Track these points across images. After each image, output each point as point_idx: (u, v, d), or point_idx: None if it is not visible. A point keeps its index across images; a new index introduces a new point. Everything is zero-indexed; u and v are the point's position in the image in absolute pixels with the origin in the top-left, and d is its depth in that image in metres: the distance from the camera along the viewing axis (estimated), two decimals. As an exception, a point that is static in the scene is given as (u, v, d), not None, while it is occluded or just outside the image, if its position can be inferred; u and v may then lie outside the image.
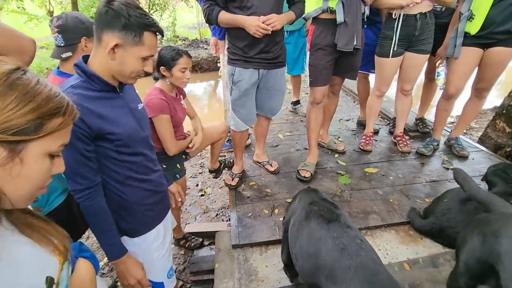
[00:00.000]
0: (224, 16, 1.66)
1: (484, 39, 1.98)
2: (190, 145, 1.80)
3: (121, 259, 1.02)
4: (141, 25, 0.87)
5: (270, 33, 1.62)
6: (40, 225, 0.59)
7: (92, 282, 0.74)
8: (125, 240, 1.07)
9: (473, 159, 2.40)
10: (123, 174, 1.00)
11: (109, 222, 0.98)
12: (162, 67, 1.60)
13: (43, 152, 0.51)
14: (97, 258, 0.81)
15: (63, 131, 0.53)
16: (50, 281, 0.55)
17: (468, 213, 1.51)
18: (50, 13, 8.85)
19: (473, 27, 1.97)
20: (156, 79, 1.69)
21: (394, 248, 1.60)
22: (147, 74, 1.02)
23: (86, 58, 0.93)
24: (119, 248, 1.02)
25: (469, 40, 2.03)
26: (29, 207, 0.61)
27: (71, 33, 1.30)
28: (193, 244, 2.20)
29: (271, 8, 1.65)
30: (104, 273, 2.10)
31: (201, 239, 2.23)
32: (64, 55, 1.32)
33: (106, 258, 2.13)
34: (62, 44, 1.32)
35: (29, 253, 0.54)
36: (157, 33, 0.94)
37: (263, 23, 1.59)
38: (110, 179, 0.99)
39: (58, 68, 1.37)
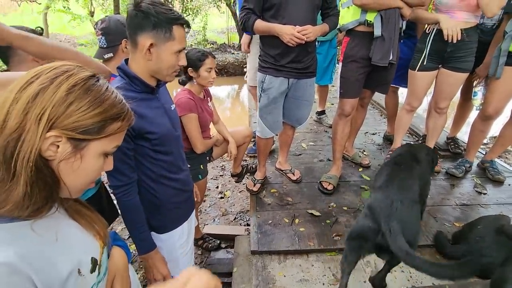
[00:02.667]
0: (260, 24, 1.69)
1: None
2: (229, 155, 1.90)
3: (150, 254, 1.06)
4: (169, 20, 0.90)
5: (304, 42, 1.63)
6: (86, 213, 0.66)
7: (126, 268, 0.79)
8: (153, 236, 1.11)
9: (509, 184, 2.26)
10: (157, 172, 1.05)
11: (142, 218, 1.03)
12: (189, 69, 1.66)
13: (100, 151, 0.56)
14: (129, 248, 0.85)
15: (119, 134, 0.59)
16: (94, 261, 0.62)
17: (504, 244, 1.42)
18: (91, 13, 9.42)
19: None
20: (182, 83, 1.76)
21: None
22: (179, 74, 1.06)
23: (127, 61, 0.99)
24: (150, 243, 1.07)
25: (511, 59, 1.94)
26: None
27: (113, 35, 1.38)
28: (210, 245, 2.23)
29: (305, 19, 1.66)
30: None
31: (218, 241, 2.25)
32: (106, 56, 1.40)
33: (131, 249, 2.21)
34: (105, 46, 1.39)
35: (78, 235, 0.61)
36: (184, 25, 0.96)
37: (298, 33, 1.61)
38: (145, 177, 1.04)
39: None
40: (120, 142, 0.60)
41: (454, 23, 1.87)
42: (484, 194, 2.14)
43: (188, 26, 0.97)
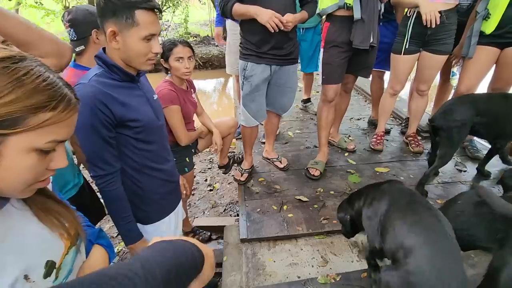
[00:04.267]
0: (238, 7, 1.65)
1: (501, 39, 1.94)
2: (214, 146, 1.86)
3: (137, 244, 1.05)
4: (129, 5, 0.85)
5: (282, 28, 1.61)
6: (56, 209, 0.60)
7: None
8: (139, 227, 1.09)
9: (487, 161, 2.34)
10: (140, 162, 1.03)
11: (127, 208, 1.02)
12: (161, 60, 1.62)
13: (26, 147, 0.46)
14: (113, 247, 0.82)
15: (54, 127, 0.48)
16: (50, 265, 0.55)
17: (482, 216, 1.48)
18: (66, 8, 9.03)
19: (488, 27, 1.94)
20: (166, 71, 1.73)
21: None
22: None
23: (105, 50, 0.96)
24: (136, 233, 1.06)
25: (485, 39, 1.99)
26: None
27: (81, 26, 1.30)
28: (201, 237, 2.23)
29: (284, 5, 1.64)
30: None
31: (209, 233, 2.25)
32: (78, 49, 1.34)
33: (119, 246, 2.18)
34: (75, 38, 1.32)
35: (34, 234, 0.55)
36: (153, 10, 0.90)
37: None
38: (128, 167, 1.02)
39: (75, 61, 1.40)
40: (61, 137, 0.50)
41: (433, 7, 1.89)
42: (464, 171, 2.22)
43: (157, 9, 0.91)
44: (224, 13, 1.73)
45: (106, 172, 0.95)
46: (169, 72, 1.67)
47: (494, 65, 2.10)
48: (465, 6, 2.16)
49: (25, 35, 0.80)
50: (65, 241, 0.59)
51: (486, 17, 1.93)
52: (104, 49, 0.96)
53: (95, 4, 0.90)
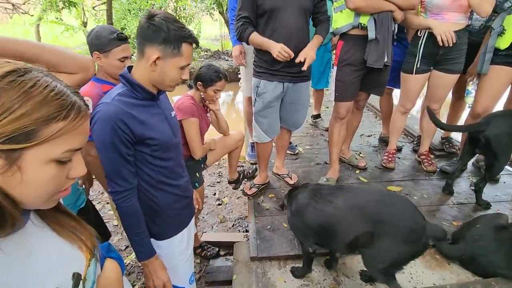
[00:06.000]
0: (255, 37, 1.71)
1: None
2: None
3: (150, 260, 1.05)
4: (179, 38, 0.93)
5: (292, 57, 1.66)
6: (70, 223, 0.61)
7: (119, 281, 0.76)
8: (152, 242, 1.10)
9: (504, 182, 2.28)
10: (156, 178, 1.05)
11: (142, 224, 1.03)
12: (199, 83, 1.70)
13: (44, 159, 0.46)
14: (123, 260, 0.84)
15: (68, 136, 0.48)
16: (77, 277, 0.56)
17: (503, 242, 1.43)
18: (84, 23, 9.43)
19: (503, 43, 1.94)
20: (190, 86, 1.80)
21: (419, 272, 1.53)
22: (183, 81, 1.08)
23: (130, 68, 1.01)
24: (150, 250, 1.06)
25: (500, 58, 1.98)
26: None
27: (89, 47, 1.43)
28: (209, 253, 2.20)
29: (297, 24, 1.69)
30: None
31: (217, 249, 2.23)
32: None
33: (127, 260, 2.17)
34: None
35: (57, 249, 0.55)
36: (193, 43, 0.99)
37: (300, 61, 1.66)
38: (144, 182, 1.04)
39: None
40: (76, 145, 0.50)
41: (446, 27, 1.91)
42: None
43: (197, 44, 1.00)
44: (241, 38, 1.78)
45: (124, 188, 0.97)
46: (200, 92, 1.75)
47: (510, 85, 2.07)
48: (477, 26, 2.17)
49: (56, 59, 0.84)
50: (85, 254, 0.61)
51: (501, 33, 1.93)
52: (128, 68, 1.01)
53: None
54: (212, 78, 1.69)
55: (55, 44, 10.86)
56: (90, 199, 1.68)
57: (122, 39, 1.40)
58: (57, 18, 8.11)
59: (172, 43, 0.92)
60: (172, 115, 1.13)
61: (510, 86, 2.07)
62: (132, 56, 1.47)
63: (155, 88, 1.01)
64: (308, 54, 1.67)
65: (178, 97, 1.84)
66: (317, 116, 3.36)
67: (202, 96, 1.77)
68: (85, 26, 9.13)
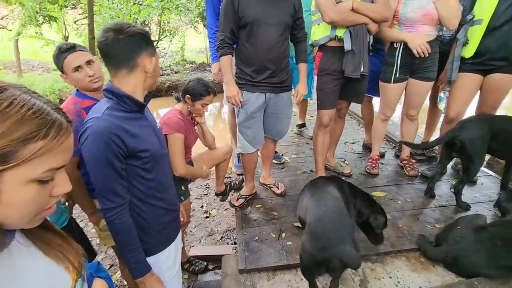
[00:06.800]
0: (224, 61, 1.78)
1: (482, 66, 2.07)
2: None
3: (146, 277, 1.03)
4: (148, 33, 1.00)
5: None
6: (57, 242, 0.59)
7: None
8: None
9: (482, 184, 2.37)
10: (145, 192, 1.03)
11: (136, 239, 1.01)
12: (187, 96, 1.71)
13: (24, 180, 0.45)
14: (112, 279, 0.81)
15: (49, 155, 0.46)
16: None
17: (482, 242, 1.48)
18: (66, 38, 9.30)
19: (467, 52, 2.08)
20: (177, 99, 1.80)
21: (405, 276, 1.55)
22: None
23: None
24: (145, 266, 1.03)
25: (468, 66, 2.12)
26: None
27: None
28: (197, 268, 2.16)
29: (277, 38, 1.74)
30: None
31: (205, 263, 2.19)
32: None
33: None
34: None
35: (42, 270, 0.54)
36: None
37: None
38: (134, 197, 1.02)
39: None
40: (58, 164, 0.48)
41: (420, 40, 2.02)
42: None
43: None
44: (218, 52, 1.82)
45: (117, 204, 0.95)
46: (188, 105, 1.75)
47: (479, 91, 2.20)
48: (448, 37, 2.30)
49: None
50: (71, 274, 0.59)
51: (465, 43, 2.08)
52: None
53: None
54: (201, 92, 1.70)
55: (35, 59, 10.64)
56: (74, 217, 1.62)
57: (65, 50, 1.31)
58: (37, 33, 7.97)
59: (150, 39, 0.98)
60: (158, 127, 1.14)
61: (479, 91, 2.19)
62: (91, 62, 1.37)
63: (142, 96, 1.02)
64: (300, 89, 1.90)
65: (165, 109, 1.84)
66: (302, 125, 3.41)
67: (189, 110, 1.77)
68: (66, 40, 9.01)
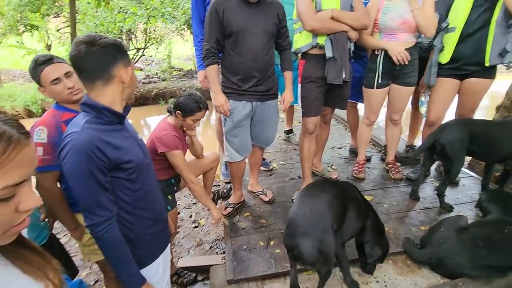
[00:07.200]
0: (211, 71, 1.79)
1: (458, 71, 2.16)
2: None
3: None
4: (121, 43, 0.98)
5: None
6: (34, 258, 0.57)
7: None
8: None
9: (463, 185, 2.44)
10: (132, 204, 1.01)
11: (127, 252, 0.98)
12: (178, 112, 1.70)
13: None
14: None
15: (1, 172, 0.44)
16: None
17: (465, 243, 1.51)
18: (48, 46, 9.11)
19: (444, 58, 2.18)
20: (169, 112, 1.79)
21: (392, 280, 1.57)
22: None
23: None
24: (139, 278, 1.01)
25: (445, 71, 2.21)
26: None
27: None
28: (186, 280, 2.11)
29: (262, 46, 1.76)
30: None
31: (194, 274, 2.14)
32: None
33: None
34: None
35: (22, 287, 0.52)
36: None
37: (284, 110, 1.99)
38: (120, 209, 1.00)
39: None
40: (12, 180, 0.45)
41: (399, 48, 2.09)
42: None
43: None
44: (204, 61, 1.83)
45: (105, 218, 0.92)
46: (178, 120, 1.75)
47: (457, 94, 2.28)
48: (426, 43, 2.37)
49: None
50: None
51: (442, 49, 2.17)
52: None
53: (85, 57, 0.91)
54: (192, 108, 1.68)
55: (16, 68, 10.34)
56: (55, 232, 1.57)
57: (42, 63, 1.27)
58: (17, 42, 7.78)
59: (124, 49, 0.96)
60: (139, 138, 1.12)
61: (457, 95, 2.27)
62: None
63: (121, 107, 1.00)
64: (286, 96, 1.94)
65: (152, 118, 1.82)
66: (290, 132, 3.44)
67: (180, 124, 1.77)
68: (49, 50, 8.82)
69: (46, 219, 1.49)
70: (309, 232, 1.27)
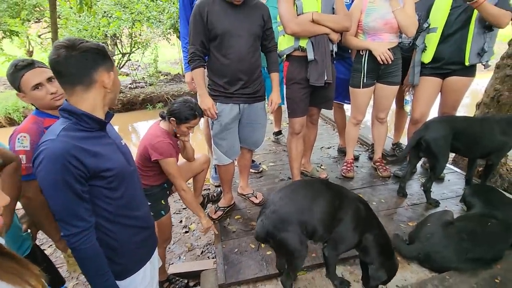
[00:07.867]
0: (197, 75, 1.79)
1: (440, 70, 2.22)
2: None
3: None
4: (103, 47, 0.95)
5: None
6: (15, 267, 0.56)
7: None
8: None
9: (448, 180, 2.50)
10: (114, 212, 0.98)
11: (104, 264, 0.95)
12: (173, 119, 1.66)
13: None
14: None
15: None
16: None
17: (451, 237, 1.54)
18: (30, 53, 8.86)
19: (426, 57, 2.24)
20: (162, 117, 1.75)
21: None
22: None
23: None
24: None
25: (428, 70, 2.27)
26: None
27: None
28: (177, 286, 2.07)
29: (248, 48, 1.76)
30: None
31: (186, 281, 2.11)
32: None
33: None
34: None
35: None
36: None
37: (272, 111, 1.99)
38: (101, 219, 0.96)
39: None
40: None
41: (382, 48, 2.13)
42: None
43: None
44: (189, 64, 1.82)
45: (82, 228, 0.89)
46: (172, 126, 1.72)
47: (440, 92, 2.34)
48: (407, 43, 2.44)
49: None
50: None
51: (424, 49, 2.23)
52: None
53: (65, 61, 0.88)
54: (187, 116, 1.65)
55: (-4, 75, 9.97)
56: (40, 243, 1.51)
57: (22, 68, 1.23)
58: (-3, 48, 7.53)
59: (107, 53, 0.93)
60: (123, 144, 1.09)
61: (440, 93, 2.33)
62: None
63: (103, 113, 0.97)
64: (274, 98, 1.94)
65: (140, 123, 1.78)
66: (279, 133, 3.45)
67: (174, 130, 1.74)
68: (30, 56, 8.58)
69: (29, 230, 1.44)
70: (268, 216, 1.33)
